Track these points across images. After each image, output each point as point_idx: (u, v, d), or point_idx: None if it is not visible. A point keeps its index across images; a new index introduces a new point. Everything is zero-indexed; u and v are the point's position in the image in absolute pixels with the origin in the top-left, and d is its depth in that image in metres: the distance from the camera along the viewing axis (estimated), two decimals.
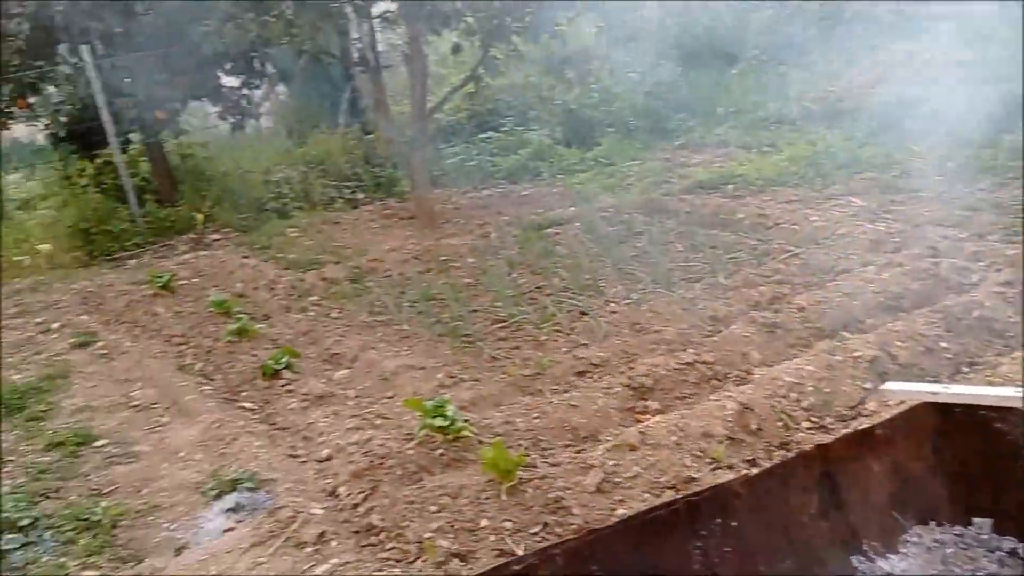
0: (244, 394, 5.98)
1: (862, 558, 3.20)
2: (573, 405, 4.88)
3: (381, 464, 4.47)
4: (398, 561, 3.72)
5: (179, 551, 4.00)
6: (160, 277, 8.39)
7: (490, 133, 12.93)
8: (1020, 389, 3.42)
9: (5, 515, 4.26)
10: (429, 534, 3.80)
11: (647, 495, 3.97)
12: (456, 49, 9.82)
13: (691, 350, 5.46)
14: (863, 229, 7.56)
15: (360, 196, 11.62)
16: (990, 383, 4.51)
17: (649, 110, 13.08)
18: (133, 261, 9.89)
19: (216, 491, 4.41)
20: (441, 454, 4.51)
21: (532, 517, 3.83)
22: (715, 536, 2.94)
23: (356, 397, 5.69)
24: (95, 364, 6.68)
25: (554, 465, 4.26)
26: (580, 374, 5.46)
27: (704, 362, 5.30)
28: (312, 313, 7.42)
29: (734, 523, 2.98)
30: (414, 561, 3.67)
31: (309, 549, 3.81)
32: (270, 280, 8.27)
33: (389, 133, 10.13)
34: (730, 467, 4.16)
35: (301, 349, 6.46)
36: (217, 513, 4.25)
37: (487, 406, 5.21)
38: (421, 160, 9.88)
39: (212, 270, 8.99)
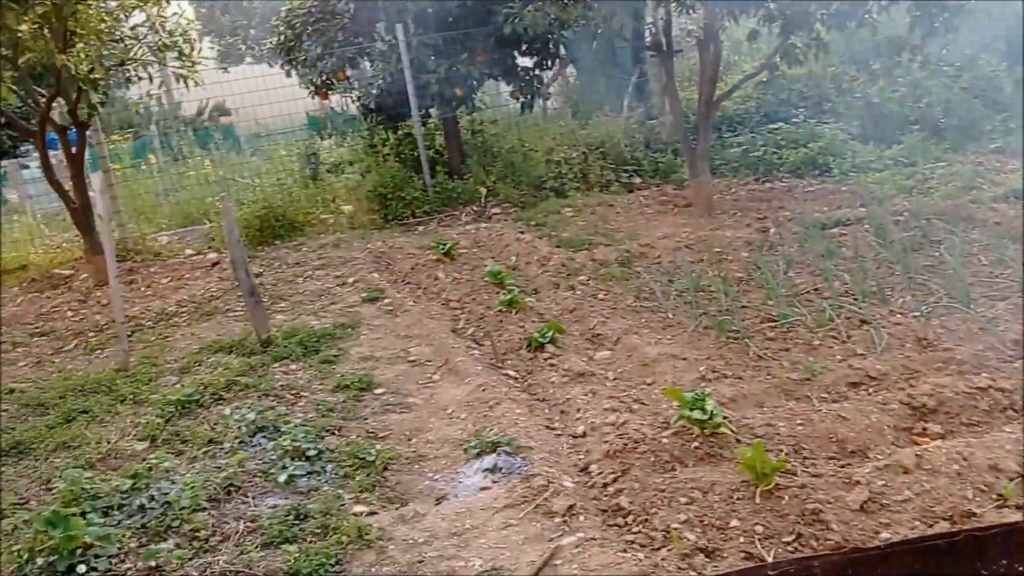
0: (509, 362, 6.23)
1: None
2: (843, 416, 4.59)
3: (635, 448, 4.46)
4: (643, 546, 3.70)
5: (439, 500, 4.25)
6: (443, 244, 8.93)
7: (779, 124, 12.37)
8: None
9: (296, 444, 4.75)
10: (677, 525, 3.75)
11: (917, 523, 3.64)
12: (753, 36, 9.50)
13: (985, 375, 4.92)
14: None
15: (637, 180, 11.62)
16: None
17: (963, 108, 11.87)
18: (421, 227, 10.58)
19: (477, 450, 4.62)
20: (696, 447, 4.42)
21: (786, 525, 3.65)
22: None
23: (615, 379, 5.73)
24: (381, 318, 7.24)
25: (815, 476, 4.04)
26: (854, 385, 5.12)
27: (1000, 389, 4.76)
28: (579, 292, 7.54)
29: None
30: (659, 549, 3.63)
31: (558, 519, 3.89)
32: (542, 256, 8.51)
33: (674, 119, 10.00)
34: (1019, 507, 3.71)
35: (566, 326, 6.60)
36: (476, 471, 4.46)
37: (748, 405, 5.04)
38: (703, 148, 9.68)
39: (490, 242, 9.41)
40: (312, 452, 4.71)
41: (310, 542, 3.89)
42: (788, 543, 3.56)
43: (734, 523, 3.74)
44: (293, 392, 5.73)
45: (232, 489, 4.43)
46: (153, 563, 3.77)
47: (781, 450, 4.35)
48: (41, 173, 9.78)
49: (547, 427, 5.10)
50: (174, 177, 13.92)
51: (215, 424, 5.31)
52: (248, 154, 16.17)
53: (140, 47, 8.77)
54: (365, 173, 12.00)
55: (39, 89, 9.42)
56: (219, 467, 4.66)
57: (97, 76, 8.06)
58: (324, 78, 11.91)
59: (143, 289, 9.13)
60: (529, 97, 11.86)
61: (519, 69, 11.81)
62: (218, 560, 3.80)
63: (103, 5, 8.22)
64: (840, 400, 4.93)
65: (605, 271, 7.95)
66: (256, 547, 3.88)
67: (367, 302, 7.69)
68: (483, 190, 11.31)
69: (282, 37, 12.10)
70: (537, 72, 11.84)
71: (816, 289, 6.84)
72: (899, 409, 4.65)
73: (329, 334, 6.82)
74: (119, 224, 10.74)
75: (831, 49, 10.60)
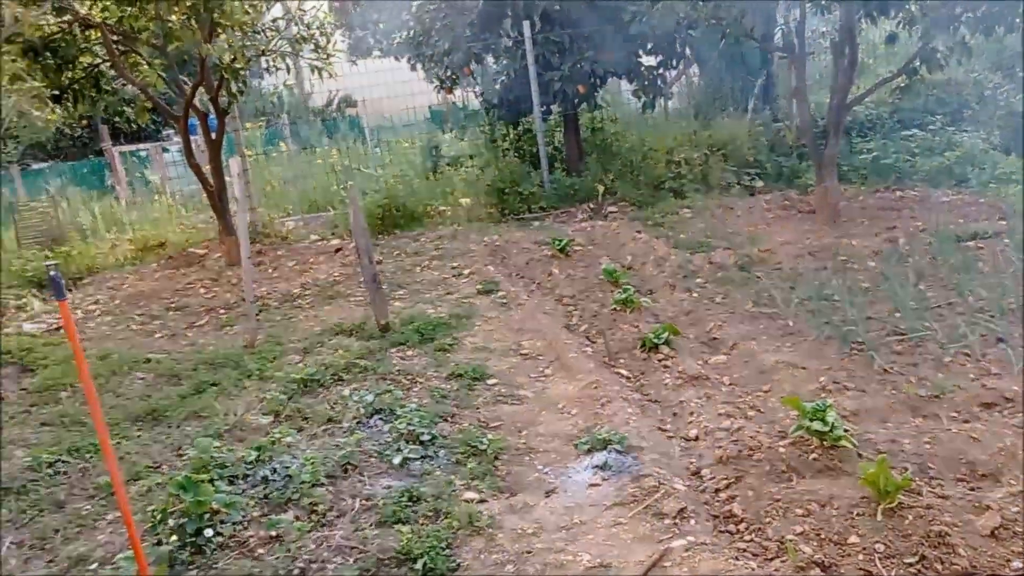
0: (622, 361, 6.20)
1: None
2: (974, 438, 4.39)
3: (749, 455, 4.39)
4: (755, 555, 3.63)
5: (548, 493, 4.28)
6: (559, 240, 8.96)
7: (913, 131, 11.87)
8: None
9: (411, 428, 4.86)
10: (792, 536, 3.66)
11: None
12: (891, 39, 9.13)
13: None
14: None
15: (759, 184, 11.37)
16: None
17: None
18: (536, 223, 10.64)
19: (587, 446, 4.63)
20: (814, 459, 4.30)
21: (909, 546, 3.52)
22: None
23: (730, 384, 5.63)
24: (495, 311, 7.32)
25: (942, 497, 3.87)
26: (987, 406, 4.87)
27: None
28: (696, 295, 7.44)
29: None
30: (772, 559, 3.56)
31: (668, 521, 3.86)
32: (659, 256, 8.43)
33: (803, 122, 9.72)
34: None
35: (681, 328, 6.52)
36: (586, 467, 4.47)
37: (871, 420, 4.87)
38: (832, 153, 9.38)
39: (606, 240, 9.39)
40: (426, 437, 4.81)
41: (422, 524, 3.98)
42: (911, 564, 3.42)
43: (853, 539, 3.63)
44: (409, 377, 5.86)
45: (349, 467, 4.57)
46: (274, 532, 3.93)
47: (906, 468, 4.18)
48: (179, 157, 10.31)
49: (659, 428, 5.05)
50: (302, 165, 14.43)
51: (334, 404, 5.49)
52: (372, 145, 16.60)
53: (279, 39, 9.12)
54: (484, 167, 12.16)
55: (183, 77, 9.94)
56: (337, 445, 4.82)
57: (239, 66, 8.45)
58: (450, 73, 12.12)
59: (270, 271, 9.51)
60: (652, 96, 11.75)
61: (643, 68, 11.71)
62: (335, 535, 3.94)
63: None
64: (971, 420, 4.70)
65: (723, 274, 7.82)
66: (371, 525, 4.00)
67: (482, 294, 7.79)
68: (601, 188, 11.28)
69: (412, 32, 12.38)
70: (661, 71, 11.71)
71: (950, 304, 6.54)
72: None
73: (444, 323, 6.95)
74: (250, 208, 11.21)
75: (978, 53, 10.09)
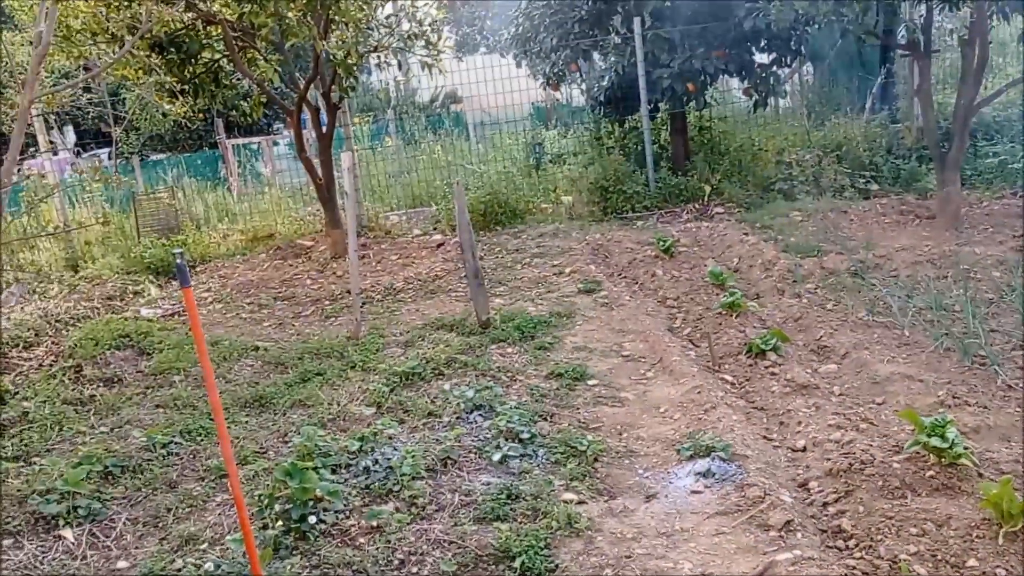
0: (726, 367, 6.06)
1: None
2: None
3: (861, 469, 4.22)
4: (865, 573, 3.49)
5: (649, 498, 4.20)
6: (664, 241, 8.82)
7: None
8: None
9: (510, 425, 4.85)
10: (905, 556, 3.50)
11: None
12: None
13: None
14: None
15: (874, 187, 10.93)
16: None
17: None
18: (640, 222, 10.50)
19: (690, 452, 4.52)
20: (931, 476, 4.10)
21: None
22: None
23: (841, 395, 5.42)
24: (596, 310, 7.25)
25: None
26: None
27: None
28: (806, 300, 7.20)
29: None
30: None
31: (773, 533, 3.73)
32: (767, 260, 8.20)
33: (927, 124, 9.28)
34: None
35: (790, 334, 6.33)
36: (688, 473, 4.37)
37: (993, 437, 4.62)
38: (956, 156, 8.93)
39: (711, 241, 9.19)
40: (525, 435, 4.79)
41: (520, 522, 3.96)
42: None
43: (971, 562, 3.45)
44: (509, 375, 5.86)
45: (449, 462, 4.60)
46: (375, 523, 3.98)
47: None
48: (288, 150, 10.58)
49: (764, 437, 4.91)
50: (406, 160, 14.64)
51: (435, 398, 5.53)
52: (475, 141, 16.73)
53: (392, 35, 9.26)
54: (588, 165, 12.07)
55: (297, 73, 10.21)
56: (438, 439, 4.85)
57: (352, 61, 8.61)
58: (556, 69, 12.09)
59: (374, 264, 9.68)
60: (764, 95, 11.44)
61: (756, 66, 11.42)
62: (434, 528, 3.96)
63: None
64: None
65: (835, 280, 7.55)
66: (469, 520, 4.01)
67: (583, 293, 7.73)
68: (707, 188, 11.06)
69: (520, 28, 12.40)
70: (774, 69, 11.39)
71: None
72: None
73: (545, 321, 6.92)
74: (357, 202, 11.43)
75: None
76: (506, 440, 4.78)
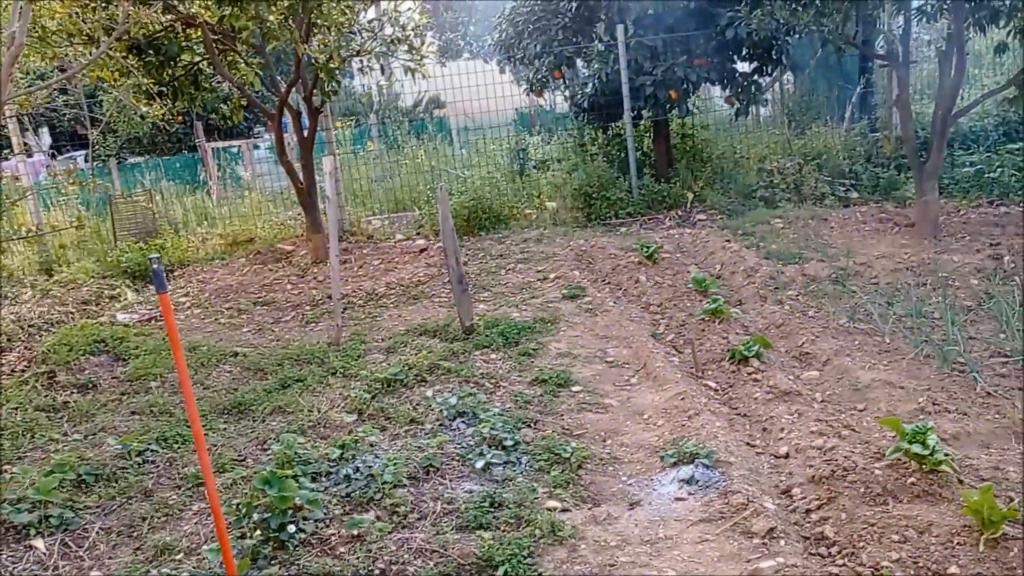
0: (709, 373, 6.05)
1: None
2: None
3: (843, 476, 4.21)
4: None
5: (633, 505, 4.17)
6: (647, 247, 8.82)
7: (1020, 144, 11.32)
8: None
9: (494, 432, 4.82)
10: (887, 563, 3.49)
11: None
12: (1001, 49, 8.71)
13: None
14: None
15: (854, 195, 11.00)
16: None
17: None
18: (623, 228, 10.51)
19: (673, 459, 4.50)
20: (912, 483, 4.09)
21: None
22: None
23: (823, 401, 5.42)
24: (580, 316, 7.24)
25: None
26: None
27: None
28: (788, 307, 7.21)
29: None
30: None
31: (756, 541, 3.72)
32: (749, 267, 8.22)
33: (905, 133, 9.35)
34: None
35: (772, 341, 6.33)
36: (671, 480, 4.35)
37: (972, 444, 4.62)
38: (934, 165, 9.00)
39: (694, 248, 9.21)
40: (509, 442, 4.76)
41: (503, 531, 3.93)
42: None
43: (953, 569, 3.44)
44: (492, 381, 5.83)
45: (431, 469, 4.56)
46: (356, 532, 3.93)
47: (1011, 497, 3.94)
48: (268, 153, 10.52)
49: (747, 444, 4.90)
50: (388, 164, 14.59)
51: (417, 404, 5.49)
52: (458, 146, 16.70)
53: (375, 40, 9.23)
54: (572, 171, 12.08)
55: (278, 76, 10.14)
56: (420, 447, 4.81)
57: (334, 65, 8.56)
58: (540, 76, 12.09)
59: (356, 269, 9.63)
60: (746, 103, 11.49)
61: (737, 74, 11.47)
62: (416, 537, 3.92)
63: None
64: None
65: (816, 287, 7.57)
66: (452, 529, 3.97)
67: (567, 299, 7.71)
68: (690, 195, 11.09)
69: (503, 34, 12.39)
70: (756, 78, 11.45)
71: None
72: None
73: (529, 327, 6.89)
74: (339, 206, 11.37)
75: None
76: (489, 447, 4.75)
